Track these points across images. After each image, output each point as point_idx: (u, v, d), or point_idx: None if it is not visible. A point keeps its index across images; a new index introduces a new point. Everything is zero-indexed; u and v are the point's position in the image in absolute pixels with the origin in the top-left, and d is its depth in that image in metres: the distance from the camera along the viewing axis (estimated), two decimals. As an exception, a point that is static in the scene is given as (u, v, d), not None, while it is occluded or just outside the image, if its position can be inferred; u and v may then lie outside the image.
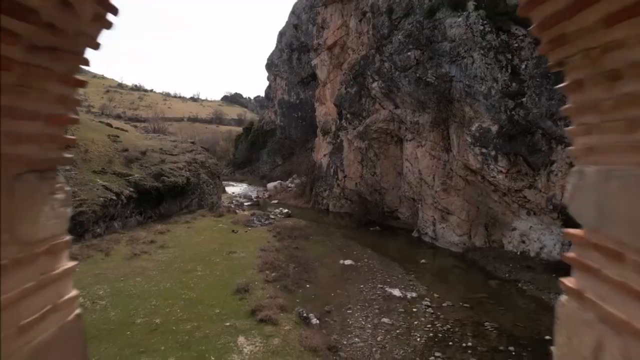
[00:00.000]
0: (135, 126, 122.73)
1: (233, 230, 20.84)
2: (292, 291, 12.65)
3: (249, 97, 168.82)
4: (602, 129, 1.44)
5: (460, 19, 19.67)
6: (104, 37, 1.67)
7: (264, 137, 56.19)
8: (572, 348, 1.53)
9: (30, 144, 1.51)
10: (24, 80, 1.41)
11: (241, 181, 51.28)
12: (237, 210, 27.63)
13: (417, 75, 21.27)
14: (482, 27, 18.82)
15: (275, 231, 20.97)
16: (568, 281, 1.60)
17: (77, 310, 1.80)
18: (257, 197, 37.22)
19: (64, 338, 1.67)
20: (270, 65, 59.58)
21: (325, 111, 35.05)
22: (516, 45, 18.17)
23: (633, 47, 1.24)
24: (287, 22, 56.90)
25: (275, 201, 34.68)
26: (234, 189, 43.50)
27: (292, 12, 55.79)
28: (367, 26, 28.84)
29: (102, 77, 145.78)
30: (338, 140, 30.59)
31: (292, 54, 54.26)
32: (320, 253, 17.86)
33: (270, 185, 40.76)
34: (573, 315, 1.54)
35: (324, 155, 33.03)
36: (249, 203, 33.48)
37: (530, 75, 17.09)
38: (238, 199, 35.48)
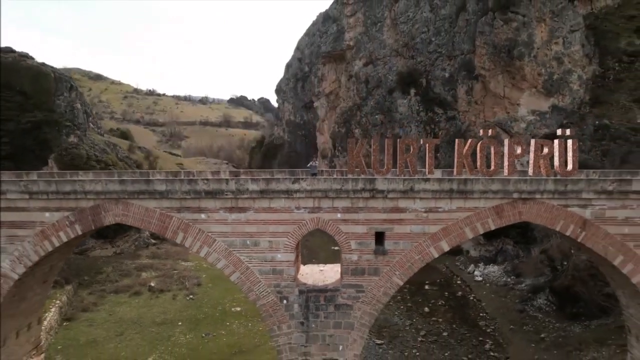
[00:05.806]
0: (154, 130, 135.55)
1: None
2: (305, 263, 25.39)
3: (253, 100, 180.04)
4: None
5: (405, 100, 32.13)
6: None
7: (275, 150, 68.71)
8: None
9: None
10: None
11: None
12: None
13: (381, 131, 33.81)
14: (417, 107, 31.29)
15: (292, 229, 33.69)
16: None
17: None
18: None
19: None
20: (279, 91, 71.87)
21: (323, 140, 47.56)
22: (437, 119, 30.71)
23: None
24: (292, 55, 69.00)
25: (287, 206, 47.36)
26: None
27: (297, 48, 67.84)
28: (353, 85, 41.21)
29: (119, 83, 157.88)
30: (333, 164, 43.18)
31: (297, 83, 66.59)
32: (320, 243, 30.59)
33: (282, 192, 53.36)
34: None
35: (323, 173, 45.80)
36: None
37: (445, 140, 29.62)
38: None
